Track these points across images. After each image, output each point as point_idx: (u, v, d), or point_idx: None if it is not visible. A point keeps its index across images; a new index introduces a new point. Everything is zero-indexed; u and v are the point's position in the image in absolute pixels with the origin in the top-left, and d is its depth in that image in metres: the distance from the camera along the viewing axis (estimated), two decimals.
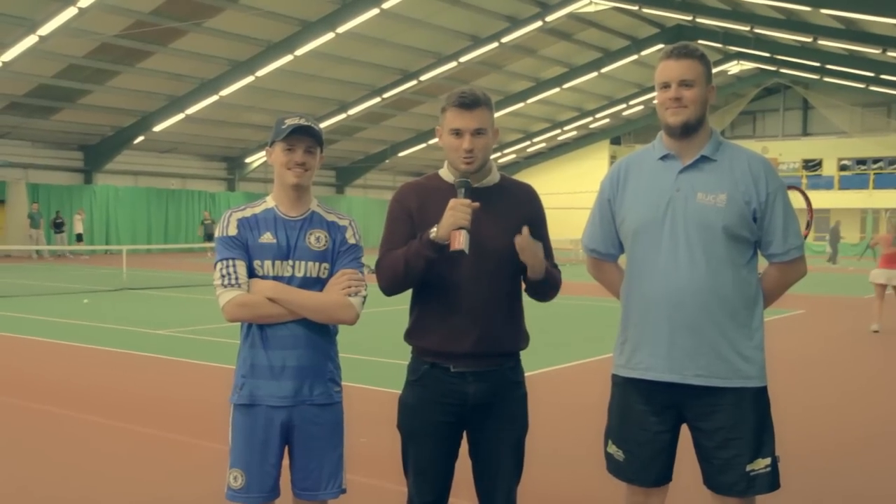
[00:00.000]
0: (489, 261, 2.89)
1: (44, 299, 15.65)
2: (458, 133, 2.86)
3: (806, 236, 4.28)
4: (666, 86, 2.84)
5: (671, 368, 2.84)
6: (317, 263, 2.90)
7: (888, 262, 12.17)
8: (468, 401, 2.93)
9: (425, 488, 2.98)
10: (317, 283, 2.89)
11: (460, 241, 2.73)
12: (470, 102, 2.84)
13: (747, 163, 2.86)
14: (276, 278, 2.87)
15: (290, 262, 2.88)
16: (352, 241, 2.97)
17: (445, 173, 2.98)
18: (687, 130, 2.84)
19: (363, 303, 2.94)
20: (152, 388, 7.71)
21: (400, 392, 3.08)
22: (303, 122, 2.93)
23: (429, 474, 2.98)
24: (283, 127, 2.94)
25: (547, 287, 3.02)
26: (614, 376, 3.03)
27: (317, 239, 2.91)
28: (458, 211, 2.75)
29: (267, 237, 2.88)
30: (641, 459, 2.93)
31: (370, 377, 8.07)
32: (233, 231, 2.89)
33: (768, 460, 2.82)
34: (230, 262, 2.86)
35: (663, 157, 2.91)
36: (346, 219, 3.02)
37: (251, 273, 2.87)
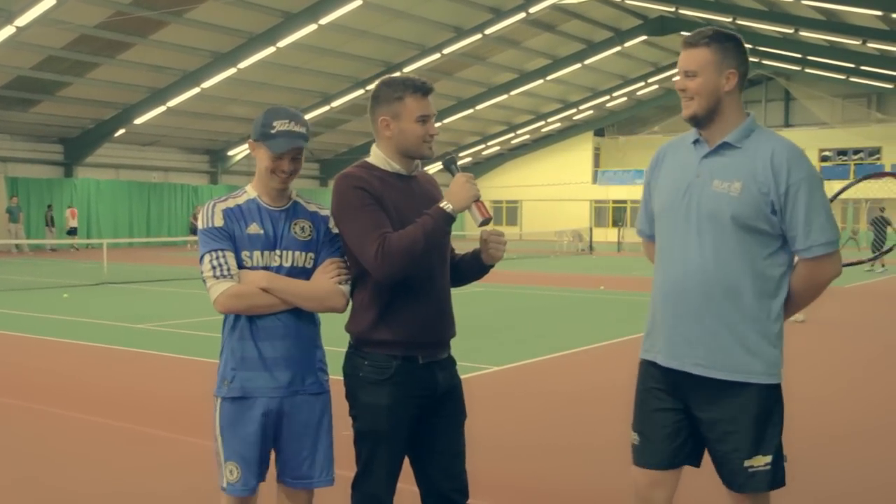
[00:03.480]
0: (444, 248, 2.98)
1: (23, 294, 15.50)
2: (424, 119, 2.87)
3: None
4: (679, 75, 2.86)
5: (672, 354, 2.82)
6: (303, 253, 2.90)
7: None
8: (437, 390, 2.94)
9: (391, 488, 2.94)
10: (303, 273, 2.89)
11: (487, 210, 2.86)
12: (430, 89, 2.90)
13: (771, 152, 2.72)
14: (264, 268, 2.85)
15: (278, 251, 2.87)
16: (335, 230, 2.96)
17: (385, 162, 2.92)
18: (697, 122, 2.81)
19: (348, 291, 2.94)
20: (132, 382, 7.64)
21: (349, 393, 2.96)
22: (293, 127, 2.85)
23: (395, 473, 2.94)
24: (272, 132, 2.83)
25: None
26: (640, 360, 3.02)
27: (302, 229, 2.91)
28: (472, 184, 2.82)
29: (254, 228, 2.86)
30: (652, 439, 2.89)
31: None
32: (219, 222, 2.85)
33: (769, 458, 2.76)
34: (220, 253, 2.82)
35: (695, 142, 2.88)
36: (326, 209, 3.01)
37: (239, 264, 2.85)
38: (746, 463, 2.75)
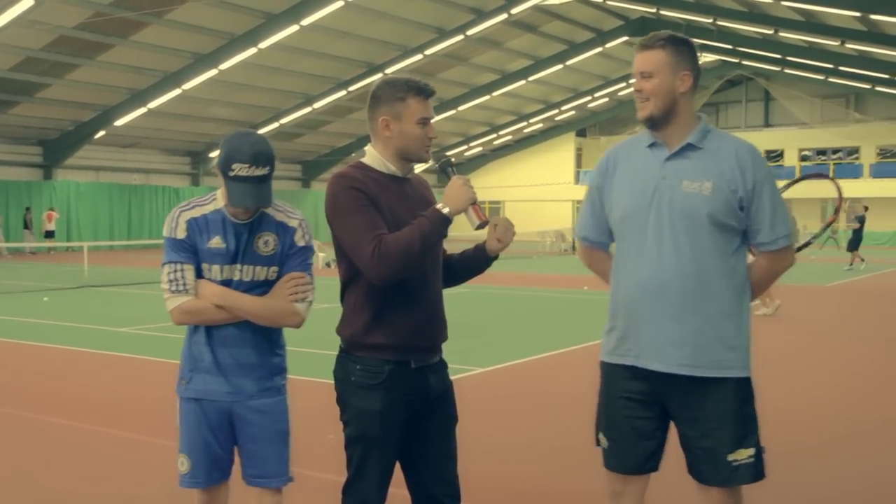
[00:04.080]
0: (437, 251, 2.96)
1: (2, 298, 15.34)
2: (425, 122, 2.84)
3: (833, 221, 4.24)
4: (635, 77, 2.89)
5: (657, 357, 2.83)
6: (265, 268, 2.89)
7: None
8: (430, 395, 2.92)
9: (383, 493, 2.92)
10: (264, 285, 2.90)
11: (483, 214, 2.83)
12: (432, 91, 2.88)
13: (734, 150, 2.82)
14: (223, 282, 2.86)
15: (239, 266, 2.87)
16: (301, 243, 2.93)
17: (381, 163, 2.88)
18: (653, 123, 2.84)
19: (309, 306, 2.95)
20: (114, 386, 7.57)
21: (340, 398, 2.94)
22: (253, 171, 2.73)
23: (387, 478, 2.91)
24: (230, 174, 2.74)
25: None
26: (602, 363, 3.02)
27: (265, 243, 2.88)
28: (469, 187, 2.80)
29: (216, 241, 2.84)
30: (623, 445, 2.92)
31: (329, 372, 8.00)
32: (181, 234, 2.84)
33: (752, 450, 2.81)
34: (178, 266, 2.83)
35: (651, 145, 2.90)
36: (295, 218, 2.95)
37: (198, 274, 2.86)
38: (730, 457, 2.79)
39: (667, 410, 2.89)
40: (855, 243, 23.51)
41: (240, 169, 2.72)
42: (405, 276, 2.76)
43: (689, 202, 2.77)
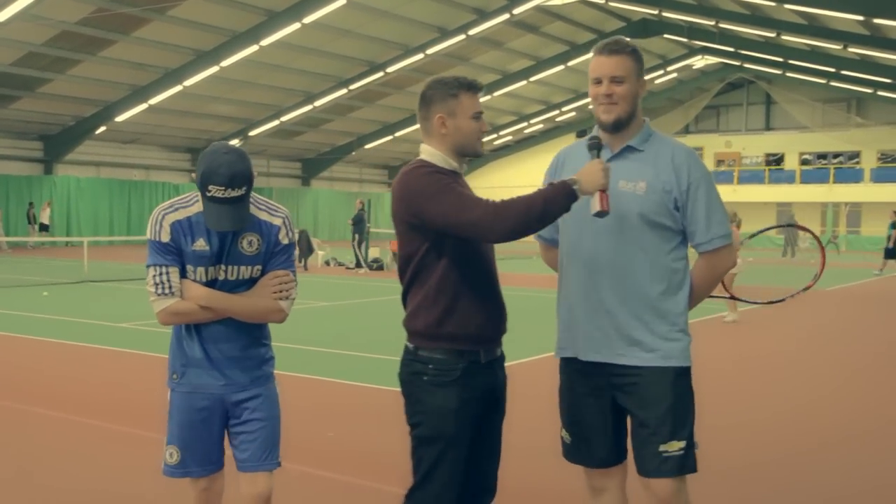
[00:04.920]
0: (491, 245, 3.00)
1: (2, 292, 15.34)
2: (478, 116, 2.91)
3: (810, 286, 4.10)
4: (598, 81, 2.91)
5: (593, 348, 2.92)
6: (249, 267, 2.94)
7: None
8: (496, 389, 2.96)
9: (455, 495, 2.86)
10: (248, 283, 2.96)
11: (607, 204, 2.76)
12: (481, 86, 2.95)
13: (671, 152, 2.90)
14: (208, 283, 2.91)
15: (223, 266, 2.91)
16: (285, 241, 2.96)
17: (443, 159, 2.89)
18: (618, 126, 2.90)
19: (292, 304, 3.00)
20: (113, 381, 7.58)
21: (408, 392, 2.92)
22: (228, 193, 2.73)
23: (459, 481, 2.86)
24: (207, 194, 2.75)
25: None
26: (559, 360, 3.11)
27: (249, 243, 2.91)
28: (607, 175, 2.76)
29: (200, 244, 2.86)
30: (585, 440, 3.00)
31: (333, 370, 8.01)
32: (165, 237, 2.85)
33: (683, 443, 2.83)
34: (163, 269, 2.86)
35: (596, 146, 2.95)
36: (279, 215, 2.97)
37: (183, 274, 2.90)
38: (661, 447, 2.83)
39: (615, 400, 2.95)
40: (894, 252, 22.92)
41: (216, 191, 2.73)
42: (515, 238, 2.73)
43: (623, 201, 2.85)
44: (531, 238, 2.98)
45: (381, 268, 22.37)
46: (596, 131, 2.99)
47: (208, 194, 2.74)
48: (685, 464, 2.84)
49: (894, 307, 15.66)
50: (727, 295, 4.03)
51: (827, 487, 4.94)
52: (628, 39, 2.98)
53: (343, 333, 10.18)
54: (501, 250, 3.08)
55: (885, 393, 7.82)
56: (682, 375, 2.89)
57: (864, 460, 5.52)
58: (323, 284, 17.60)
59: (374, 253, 23.50)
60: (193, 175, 2.89)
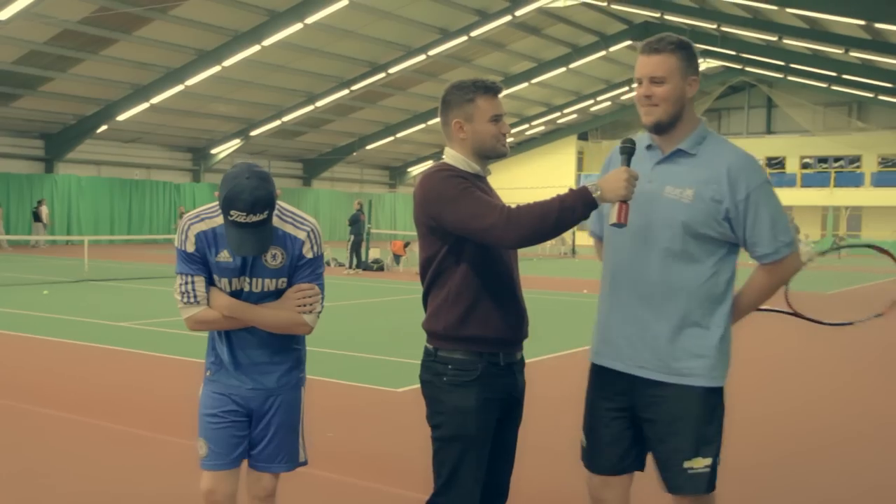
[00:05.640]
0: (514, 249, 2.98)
1: (2, 290, 15.34)
2: (496, 119, 2.88)
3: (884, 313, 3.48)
4: (639, 82, 2.80)
5: (618, 357, 2.86)
6: (274, 280, 2.95)
7: None
8: (515, 392, 2.95)
9: (477, 497, 2.86)
10: (274, 295, 2.98)
11: (626, 216, 2.64)
12: (500, 88, 2.91)
13: (727, 160, 2.74)
14: (233, 293, 2.95)
15: (247, 279, 2.94)
16: (309, 255, 2.96)
17: (465, 163, 2.89)
18: (660, 129, 2.80)
19: (318, 316, 3.01)
20: (114, 381, 7.58)
21: (425, 392, 2.93)
22: (249, 218, 2.74)
23: (480, 481, 2.86)
24: (229, 217, 2.76)
25: None
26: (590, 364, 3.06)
27: (273, 257, 2.93)
28: (632, 185, 2.64)
29: (224, 255, 2.90)
30: (597, 445, 2.95)
31: (333, 371, 8.01)
32: (191, 248, 2.90)
33: (709, 461, 2.77)
34: (189, 279, 2.92)
35: (648, 147, 2.89)
36: (304, 229, 2.95)
37: (211, 282, 2.96)
38: (686, 464, 2.76)
39: (634, 410, 2.89)
40: None
41: (237, 216, 2.74)
42: (530, 244, 2.71)
43: (668, 208, 2.74)
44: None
45: (381, 268, 22.39)
46: (645, 133, 2.89)
47: (230, 218, 2.77)
48: (711, 482, 2.79)
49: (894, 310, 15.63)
50: (789, 310, 3.38)
51: (824, 489, 4.94)
52: (677, 37, 2.80)
53: (343, 333, 10.17)
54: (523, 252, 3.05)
55: (883, 394, 7.83)
56: (710, 393, 2.78)
57: (862, 462, 5.53)
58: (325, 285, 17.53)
59: (374, 253, 23.53)
60: (216, 193, 2.94)
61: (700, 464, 2.76)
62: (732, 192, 2.71)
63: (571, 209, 2.64)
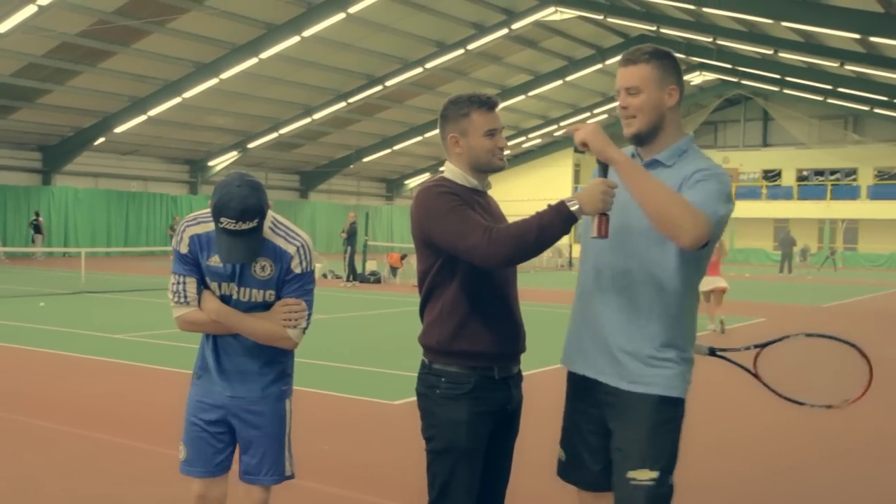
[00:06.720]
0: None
1: None
2: (492, 133, 2.88)
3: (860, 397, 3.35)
4: (618, 94, 2.79)
5: (586, 363, 2.83)
6: (261, 291, 2.98)
7: (711, 269, 12.56)
8: (509, 406, 2.94)
9: None
10: (263, 306, 3.00)
11: (606, 230, 2.62)
12: (495, 102, 2.91)
13: (695, 167, 2.68)
14: (223, 297, 2.98)
15: (237, 287, 2.97)
16: (297, 270, 2.98)
17: (462, 177, 2.90)
18: (640, 140, 2.78)
19: (304, 331, 3.03)
20: (109, 393, 7.57)
21: (423, 406, 2.92)
22: (239, 226, 2.77)
23: (473, 494, 2.86)
24: (219, 224, 2.80)
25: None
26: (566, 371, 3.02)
27: (262, 268, 2.96)
28: (610, 198, 2.60)
29: (215, 260, 2.93)
30: (578, 459, 2.90)
31: (329, 383, 8.00)
32: (184, 249, 2.96)
33: (655, 474, 2.64)
34: (181, 279, 2.97)
35: (632, 156, 2.87)
36: (294, 244, 2.97)
37: (205, 284, 2.99)
38: (630, 474, 2.66)
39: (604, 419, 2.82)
40: None
41: (227, 223, 2.78)
42: (514, 264, 2.71)
43: (633, 215, 2.67)
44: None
45: (378, 281, 22.38)
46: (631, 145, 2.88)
47: (220, 225, 2.80)
48: (655, 497, 2.64)
49: (890, 323, 15.67)
50: (751, 370, 3.29)
51: (822, 501, 4.94)
52: (654, 46, 2.77)
53: (340, 346, 10.16)
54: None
55: (875, 408, 7.82)
56: (665, 404, 2.69)
57: (858, 476, 5.53)
58: (319, 297, 17.54)
59: (371, 266, 23.51)
60: (210, 202, 3.00)
61: (645, 475, 2.64)
62: (687, 180, 2.65)
63: (550, 225, 2.63)
